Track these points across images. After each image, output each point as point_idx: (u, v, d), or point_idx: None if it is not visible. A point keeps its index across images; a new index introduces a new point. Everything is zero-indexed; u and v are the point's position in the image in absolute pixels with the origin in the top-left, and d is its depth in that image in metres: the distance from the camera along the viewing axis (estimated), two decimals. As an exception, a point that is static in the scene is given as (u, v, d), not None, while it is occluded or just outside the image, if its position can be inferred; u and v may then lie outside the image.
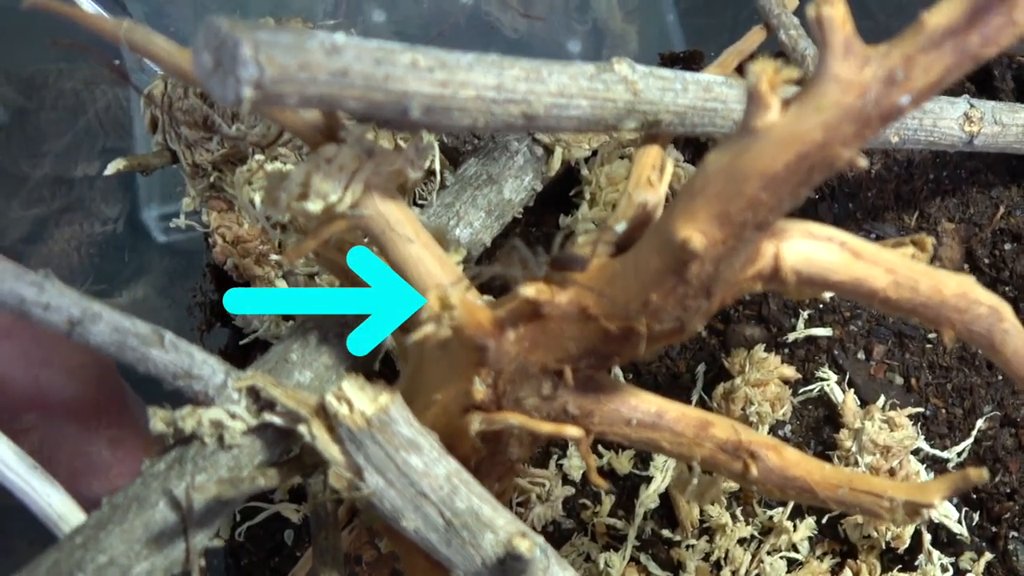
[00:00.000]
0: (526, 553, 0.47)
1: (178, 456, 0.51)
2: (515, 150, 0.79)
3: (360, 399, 0.50)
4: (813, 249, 0.48)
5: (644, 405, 0.54)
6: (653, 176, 0.56)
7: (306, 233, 0.55)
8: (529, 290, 0.48)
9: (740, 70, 0.72)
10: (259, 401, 0.52)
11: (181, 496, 0.49)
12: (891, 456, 0.76)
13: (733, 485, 0.79)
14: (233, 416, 0.51)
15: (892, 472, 0.76)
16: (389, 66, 0.43)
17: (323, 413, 0.50)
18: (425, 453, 0.50)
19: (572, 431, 0.51)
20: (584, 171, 0.85)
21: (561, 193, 0.88)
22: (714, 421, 0.54)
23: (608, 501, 0.82)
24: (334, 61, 0.42)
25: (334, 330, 0.60)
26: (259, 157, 0.67)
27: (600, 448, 0.83)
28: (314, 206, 0.48)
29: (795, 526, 0.79)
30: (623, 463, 0.83)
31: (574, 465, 0.82)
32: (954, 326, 0.47)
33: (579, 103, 0.50)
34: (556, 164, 0.80)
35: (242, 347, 0.87)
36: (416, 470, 0.50)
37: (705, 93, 0.56)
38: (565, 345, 0.50)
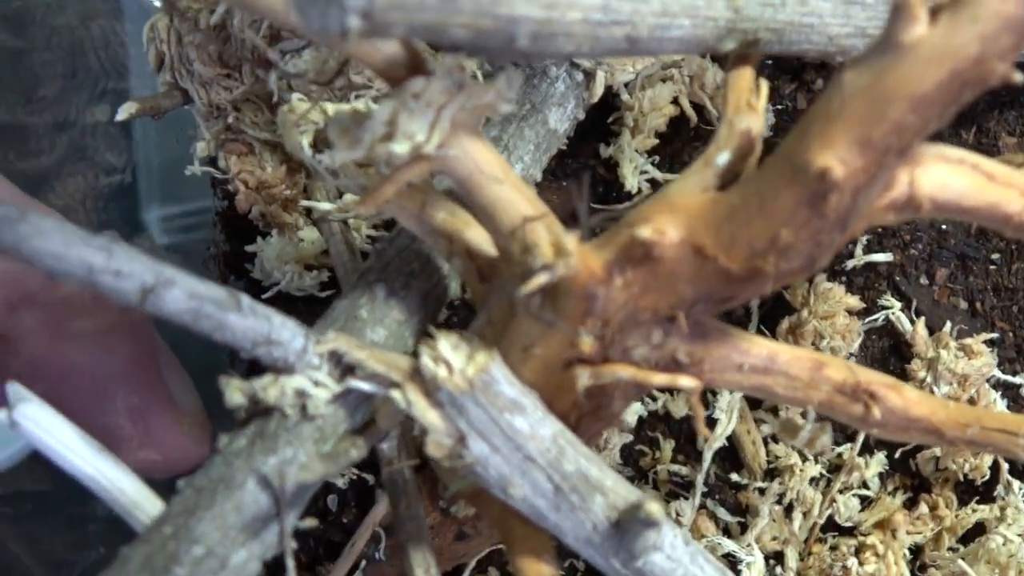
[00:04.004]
0: (659, 516, 0.46)
1: (258, 430, 0.48)
2: (555, 76, 0.75)
3: (458, 359, 0.48)
4: (947, 174, 0.47)
5: (756, 349, 0.52)
6: (752, 99, 0.53)
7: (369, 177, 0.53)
8: (644, 231, 0.46)
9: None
10: (341, 365, 0.50)
11: (271, 475, 0.46)
12: (969, 385, 0.75)
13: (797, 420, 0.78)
14: (317, 384, 0.49)
15: (972, 401, 0.75)
16: (497, -13, 0.40)
17: (417, 376, 0.48)
18: (530, 414, 0.49)
19: (686, 381, 0.50)
20: (624, 96, 0.82)
21: (598, 121, 0.85)
22: (827, 361, 0.53)
23: (668, 447, 0.81)
24: (443, -16, 0.39)
25: (400, 281, 0.57)
26: (297, 96, 0.63)
27: (655, 391, 0.81)
28: (401, 147, 0.45)
29: (866, 462, 0.79)
30: (679, 405, 0.81)
31: (630, 410, 0.81)
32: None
33: (681, 23, 0.48)
34: (599, 89, 0.77)
35: (263, 302, 0.83)
36: (522, 433, 0.48)
37: (801, 7, 0.54)
38: (678, 289, 0.48)
